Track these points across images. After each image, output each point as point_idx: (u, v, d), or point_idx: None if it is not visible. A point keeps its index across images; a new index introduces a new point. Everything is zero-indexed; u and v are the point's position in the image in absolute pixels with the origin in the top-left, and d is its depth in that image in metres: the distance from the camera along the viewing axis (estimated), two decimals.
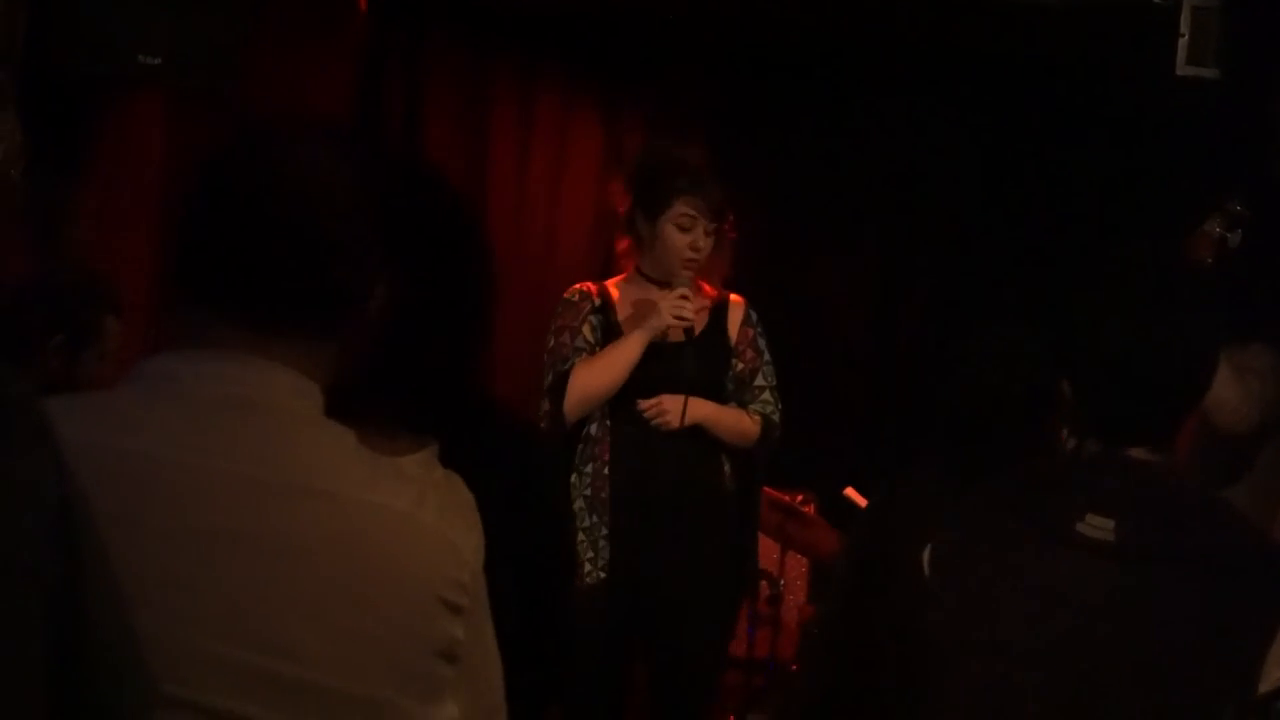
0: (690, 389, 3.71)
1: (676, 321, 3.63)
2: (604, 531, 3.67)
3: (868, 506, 2.66)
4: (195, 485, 1.28)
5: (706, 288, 3.87)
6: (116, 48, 3.85)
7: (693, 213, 3.65)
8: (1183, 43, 3.93)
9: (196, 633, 1.25)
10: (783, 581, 4.72)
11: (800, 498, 4.91)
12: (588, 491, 3.69)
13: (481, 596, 1.41)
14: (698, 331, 3.79)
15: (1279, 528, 3.23)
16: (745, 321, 3.86)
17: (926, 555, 1.93)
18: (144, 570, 1.23)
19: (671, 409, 3.67)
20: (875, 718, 2.52)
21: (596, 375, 3.67)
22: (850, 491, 4.61)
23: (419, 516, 1.36)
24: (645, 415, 3.68)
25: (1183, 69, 3.93)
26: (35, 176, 3.34)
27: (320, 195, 1.37)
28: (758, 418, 3.80)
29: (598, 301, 3.81)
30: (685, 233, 3.66)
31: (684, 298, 3.63)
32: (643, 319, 3.70)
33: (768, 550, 4.65)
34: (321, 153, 1.41)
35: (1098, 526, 1.84)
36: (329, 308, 1.39)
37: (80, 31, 3.82)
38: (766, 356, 3.86)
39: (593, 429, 3.73)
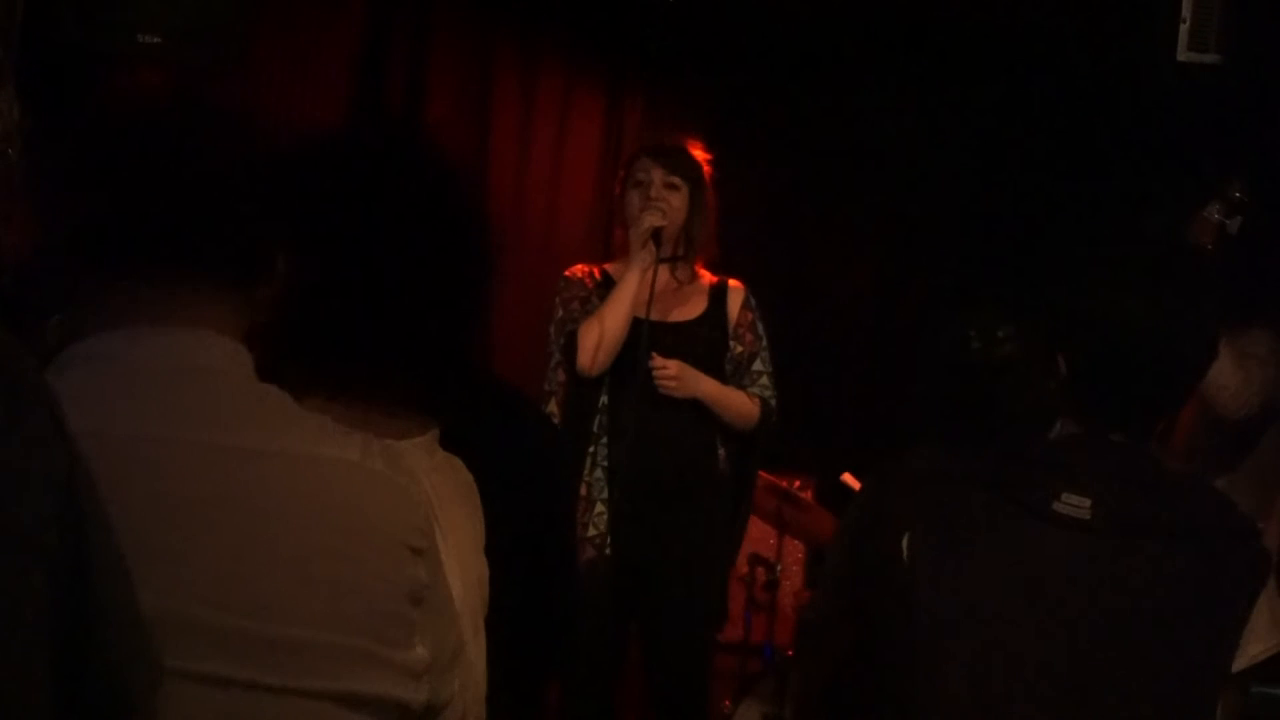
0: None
1: (649, 224, 3.72)
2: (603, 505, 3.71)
3: (860, 491, 2.65)
4: (155, 457, 1.28)
5: (704, 272, 3.90)
6: (115, 26, 3.84)
7: (647, 165, 3.82)
8: (1184, 28, 3.92)
9: (180, 602, 1.25)
10: (779, 567, 4.70)
11: (798, 483, 4.91)
12: (605, 463, 3.74)
13: (435, 538, 1.42)
14: (691, 307, 3.85)
15: (1279, 511, 3.23)
16: (745, 305, 3.90)
17: (905, 540, 1.94)
18: (121, 545, 1.22)
19: (678, 373, 3.70)
20: (874, 702, 2.52)
21: (604, 318, 3.72)
22: (848, 477, 4.61)
23: (369, 465, 1.37)
24: (652, 371, 3.70)
25: (1184, 54, 3.93)
26: (33, 155, 3.32)
27: (219, 153, 1.39)
28: (757, 400, 3.83)
29: (599, 278, 3.90)
30: (640, 185, 3.81)
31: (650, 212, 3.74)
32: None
33: (764, 535, 4.65)
34: (206, 115, 1.43)
35: (1074, 505, 1.85)
36: (241, 266, 1.40)
37: (78, 9, 3.81)
38: (764, 341, 3.90)
39: (604, 401, 3.77)
